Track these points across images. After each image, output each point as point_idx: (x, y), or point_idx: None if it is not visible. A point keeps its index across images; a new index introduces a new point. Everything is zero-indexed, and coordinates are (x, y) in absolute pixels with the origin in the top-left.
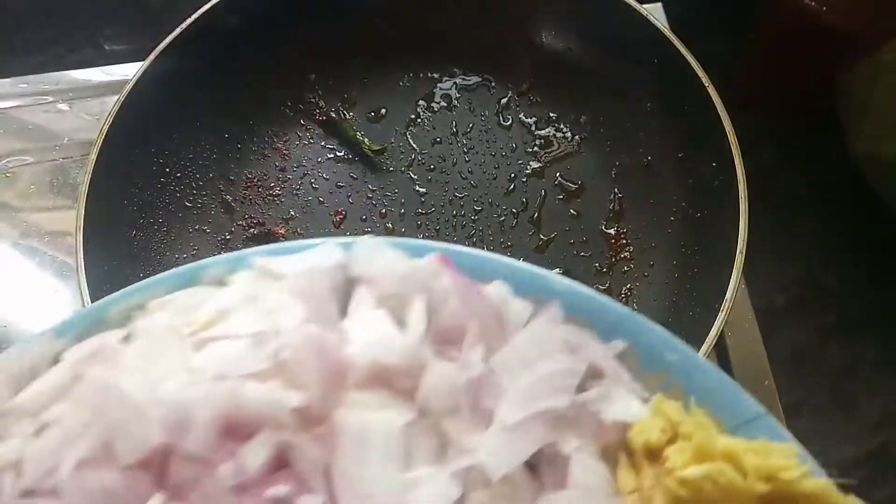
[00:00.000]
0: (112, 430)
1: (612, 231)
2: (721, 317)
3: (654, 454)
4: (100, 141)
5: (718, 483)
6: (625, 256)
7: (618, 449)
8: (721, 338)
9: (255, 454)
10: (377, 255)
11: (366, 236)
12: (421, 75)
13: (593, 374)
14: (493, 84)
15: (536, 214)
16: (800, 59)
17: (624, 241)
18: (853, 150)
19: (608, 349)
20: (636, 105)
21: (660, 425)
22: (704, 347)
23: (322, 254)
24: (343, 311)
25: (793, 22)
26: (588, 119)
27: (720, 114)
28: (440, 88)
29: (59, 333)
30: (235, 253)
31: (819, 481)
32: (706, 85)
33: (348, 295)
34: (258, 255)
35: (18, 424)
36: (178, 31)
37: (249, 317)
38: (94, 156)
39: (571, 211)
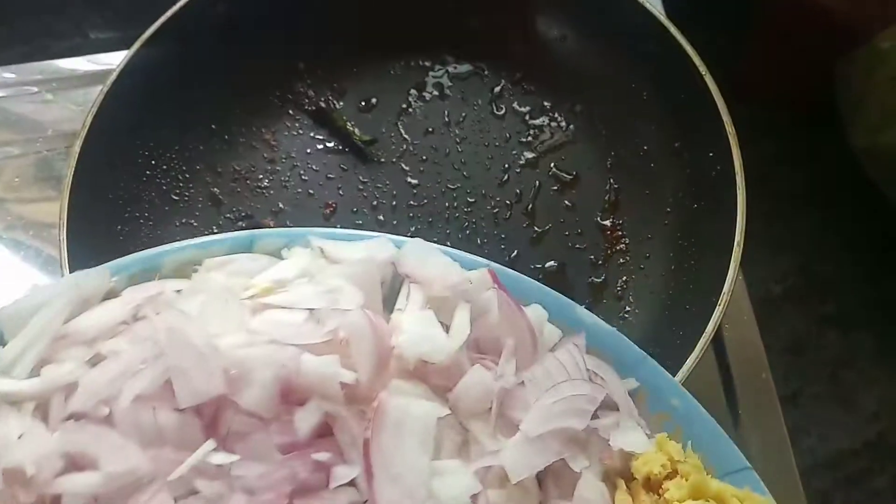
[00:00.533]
0: (174, 372)
1: (607, 223)
2: (719, 310)
3: (652, 485)
4: (84, 133)
5: None
6: (620, 248)
7: (617, 475)
8: (718, 330)
9: (306, 419)
10: (429, 257)
11: (416, 238)
12: (412, 64)
13: (608, 405)
14: (486, 72)
15: (531, 206)
16: (798, 48)
17: (620, 233)
18: (851, 141)
19: (624, 384)
20: (632, 94)
21: (662, 461)
22: (702, 341)
23: (377, 246)
24: (388, 304)
25: (790, 10)
26: (583, 108)
27: (717, 103)
28: (432, 77)
29: (114, 271)
30: (293, 229)
31: None
32: (703, 74)
33: (394, 290)
34: (315, 236)
35: (73, 349)
36: (163, 19)
37: (308, 292)
38: (77, 148)
39: (566, 202)
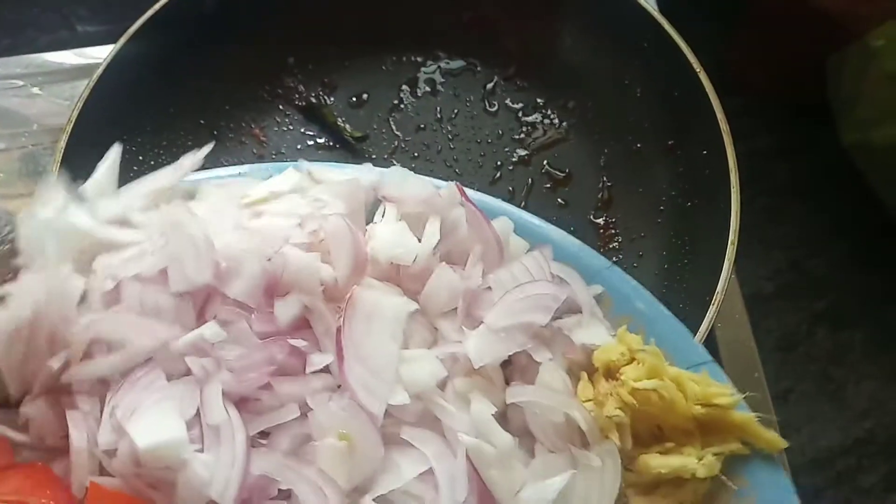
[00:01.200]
0: (172, 259)
1: (600, 220)
2: (712, 310)
3: (611, 372)
4: (69, 128)
5: (663, 397)
6: (613, 247)
7: (580, 369)
8: (711, 329)
9: (286, 309)
10: (406, 179)
11: (396, 166)
12: (404, 59)
13: (572, 308)
14: (478, 68)
15: (523, 203)
16: (790, 43)
17: (613, 231)
18: (843, 137)
19: (589, 289)
20: (625, 90)
21: (620, 350)
22: (696, 340)
23: (361, 171)
24: (369, 222)
25: (784, 6)
26: (576, 105)
27: (711, 100)
28: (424, 73)
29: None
30: (286, 163)
31: (746, 414)
32: (697, 70)
33: (374, 210)
34: (305, 161)
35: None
36: (150, 12)
37: (297, 202)
38: (62, 143)
39: (559, 200)
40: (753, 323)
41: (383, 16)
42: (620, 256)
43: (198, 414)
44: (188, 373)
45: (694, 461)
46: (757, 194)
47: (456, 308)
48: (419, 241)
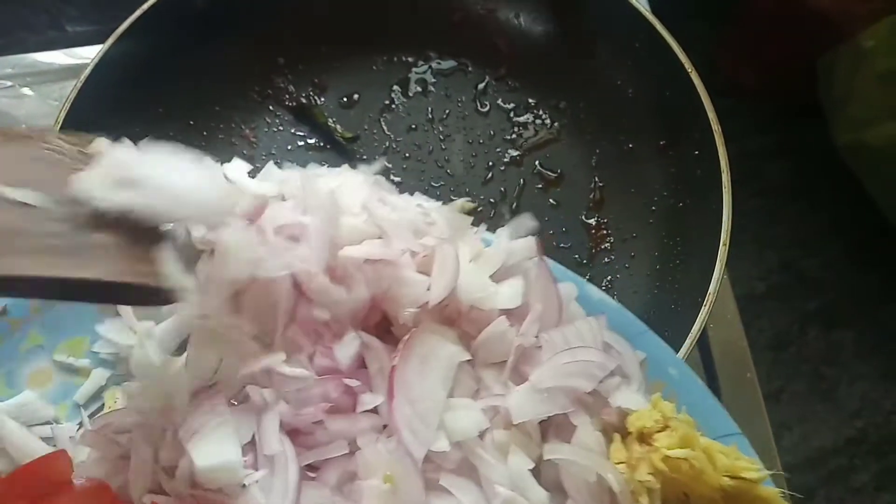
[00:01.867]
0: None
1: (592, 221)
2: (704, 311)
3: (645, 438)
4: (56, 129)
5: (693, 467)
6: (605, 247)
7: (614, 430)
8: (703, 329)
9: (347, 350)
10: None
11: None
12: (395, 59)
13: (615, 372)
14: (469, 68)
15: (515, 204)
16: (783, 42)
17: (605, 232)
18: (835, 137)
19: (636, 356)
20: (618, 91)
21: (655, 416)
22: (688, 342)
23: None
24: None
25: (775, 6)
26: (568, 105)
27: (703, 100)
28: (415, 73)
29: None
30: None
31: (771, 489)
32: (689, 71)
33: None
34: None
35: None
36: (138, 12)
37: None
38: None
39: (551, 200)
40: (746, 323)
41: (374, 16)
42: (612, 257)
43: (252, 441)
44: (246, 399)
45: None
46: (749, 195)
47: (502, 361)
48: None
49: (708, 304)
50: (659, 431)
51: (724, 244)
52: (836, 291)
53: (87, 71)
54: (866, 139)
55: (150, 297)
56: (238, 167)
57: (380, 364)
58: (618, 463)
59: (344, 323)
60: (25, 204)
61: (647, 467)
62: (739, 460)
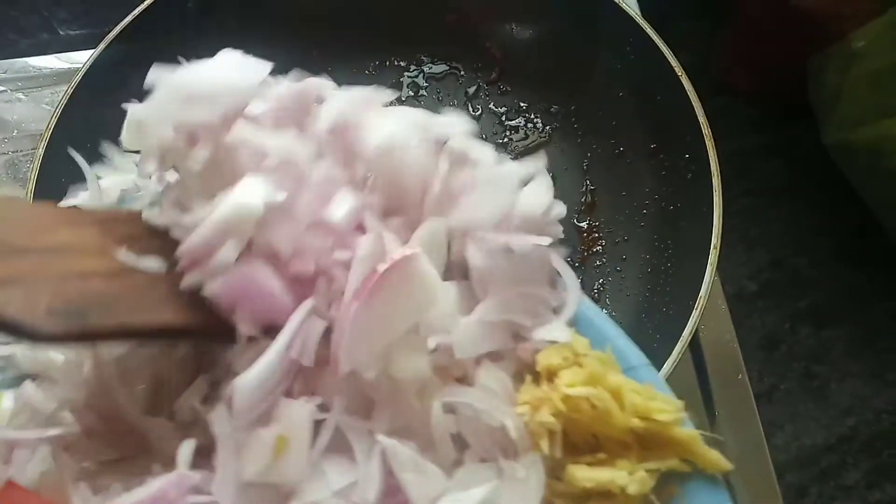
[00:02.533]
0: None
1: (583, 224)
2: (696, 314)
3: (551, 376)
4: (47, 135)
5: (596, 407)
6: (597, 251)
7: (527, 371)
8: (695, 331)
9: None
10: None
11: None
12: (387, 63)
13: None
14: (461, 72)
15: None
16: (774, 43)
17: (596, 235)
18: (825, 137)
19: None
20: (608, 94)
21: (564, 354)
22: (678, 346)
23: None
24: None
25: (767, 6)
26: (559, 109)
27: (694, 104)
28: (407, 77)
29: None
30: None
31: (689, 431)
32: (679, 74)
33: None
34: None
35: None
36: (130, 17)
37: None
38: (41, 151)
39: None
40: (737, 322)
41: (366, 20)
42: (603, 260)
43: None
44: None
45: (625, 475)
46: (740, 193)
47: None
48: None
49: (699, 307)
50: (567, 369)
51: (716, 247)
52: (827, 290)
53: (79, 76)
54: (856, 139)
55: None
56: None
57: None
58: (523, 403)
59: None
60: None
61: (548, 408)
62: (653, 400)
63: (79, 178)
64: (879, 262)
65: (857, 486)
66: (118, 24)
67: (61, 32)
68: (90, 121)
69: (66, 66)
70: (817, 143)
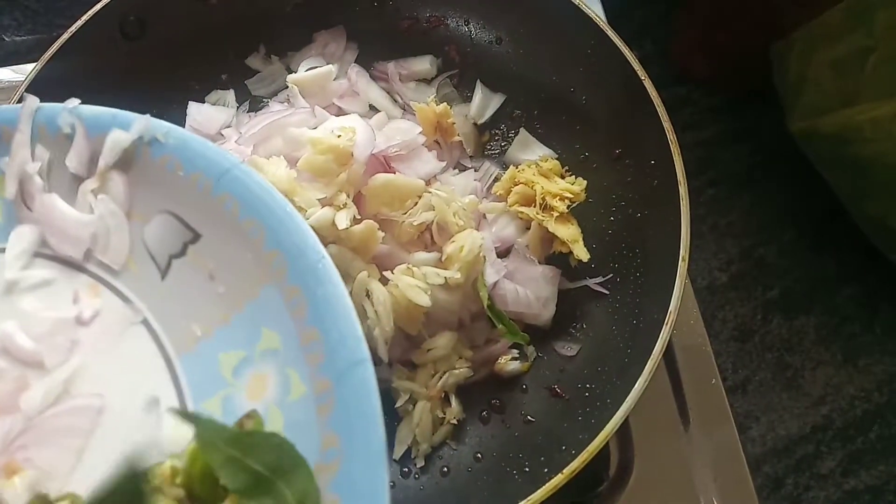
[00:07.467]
0: None
1: None
2: (666, 329)
3: None
4: None
5: None
6: None
7: None
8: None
9: None
10: None
11: None
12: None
13: None
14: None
15: None
16: (736, 29)
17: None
18: (789, 124)
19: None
20: (570, 98)
21: None
22: (650, 364)
23: None
24: None
25: None
26: (521, 113)
27: (657, 109)
28: None
29: None
30: None
31: None
32: (643, 78)
33: None
34: None
35: None
36: (67, 35)
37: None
38: None
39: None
40: (709, 314)
41: (318, 26)
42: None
43: None
44: None
45: None
46: (706, 183)
47: None
48: None
49: (669, 321)
50: None
51: (684, 259)
52: (796, 277)
53: (19, 92)
54: (820, 125)
55: None
56: None
57: None
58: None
59: None
60: None
61: None
62: None
63: None
64: (843, 247)
65: (833, 475)
66: (69, 26)
67: (6, 38)
68: None
69: (20, 77)
70: (781, 130)
